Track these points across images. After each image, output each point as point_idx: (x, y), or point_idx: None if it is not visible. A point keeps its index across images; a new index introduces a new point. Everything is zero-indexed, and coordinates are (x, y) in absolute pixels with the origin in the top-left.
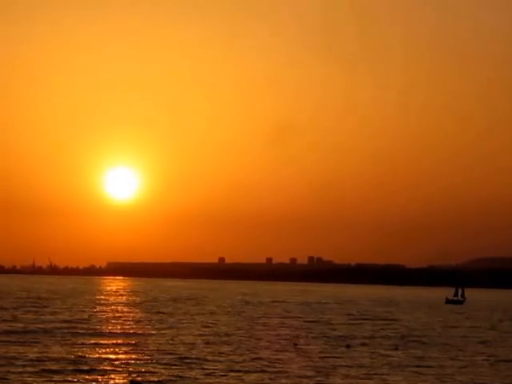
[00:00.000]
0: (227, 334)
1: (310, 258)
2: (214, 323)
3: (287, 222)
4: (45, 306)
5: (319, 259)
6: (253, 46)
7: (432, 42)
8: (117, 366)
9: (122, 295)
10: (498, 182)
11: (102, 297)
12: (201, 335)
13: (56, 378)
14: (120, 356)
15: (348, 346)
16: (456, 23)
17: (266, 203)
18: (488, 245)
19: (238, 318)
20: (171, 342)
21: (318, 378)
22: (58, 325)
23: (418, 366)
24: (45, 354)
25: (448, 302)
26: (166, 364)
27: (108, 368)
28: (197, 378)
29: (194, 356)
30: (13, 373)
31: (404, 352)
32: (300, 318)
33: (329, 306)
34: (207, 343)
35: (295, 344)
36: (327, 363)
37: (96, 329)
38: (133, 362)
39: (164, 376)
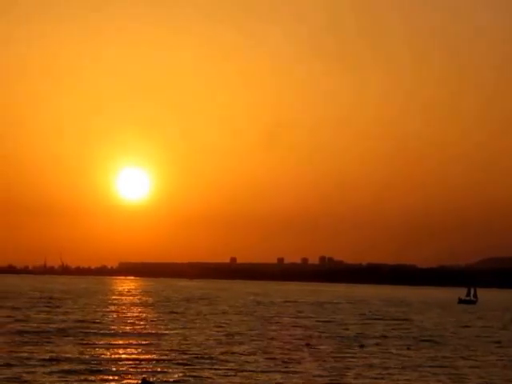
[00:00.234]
0: (239, 334)
1: (322, 258)
2: (226, 323)
3: (299, 222)
4: (57, 306)
5: (330, 259)
6: (260, 46)
7: (440, 42)
8: (129, 365)
9: (133, 295)
10: (507, 182)
11: (114, 297)
12: (213, 335)
13: (69, 378)
14: (132, 356)
15: (361, 346)
16: (462, 23)
17: (278, 203)
18: (498, 244)
19: (250, 317)
20: (183, 341)
21: (331, 378)
22: (71, 325)
23: (430, 366)
24: (57, 354)
25: (460, 301)
26: (178, 364)
27: (120, 368)
28: (209, 378)
29: (206, 356)
30: (25, 373)
31: (416, 352)
32: (312, 317)
33: (341, 305)
34: (220, 343)
35: (308, 344)
36: (340, 363)
37: (108, 329)
38: (145, 361)
39: (176, 376)
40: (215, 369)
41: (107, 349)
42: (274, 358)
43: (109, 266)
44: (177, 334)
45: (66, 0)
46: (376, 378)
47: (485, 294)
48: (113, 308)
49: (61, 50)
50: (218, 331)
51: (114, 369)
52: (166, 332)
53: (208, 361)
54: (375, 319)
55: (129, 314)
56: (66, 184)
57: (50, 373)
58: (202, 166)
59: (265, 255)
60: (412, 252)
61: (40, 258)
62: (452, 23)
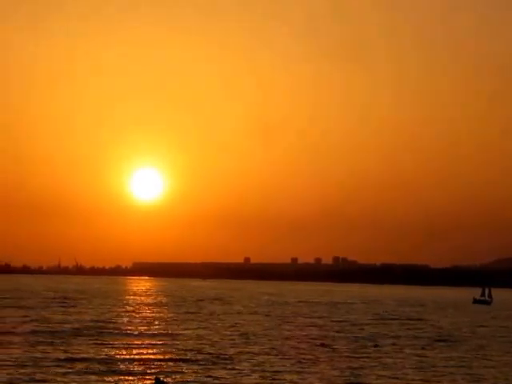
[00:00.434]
0: (254, 334)
1: (335, 258)
2: (240, 323)
3: (312, 222)
4: (72, 306)
5: (344, 259)
6: (271, 46)
7: (450, 41)
8: (143, 365)
9: (148, 295)
10: None
11: (129, 297)
12: (228, 335)
13: (83, 377)
14: (147, 356)
15: (375, 346)
16: (474, 21)
17: (292, 203)
18: None
19: (264, 317)
20: (198, 341)
21: (346, 378)
22: (85, 325)
23: (445, 366)
24: (72, 354)
25: (475, 301)
26: (193, 363)
27: (134, 367)
28: (224, 378)
29: (221, 356)
30: (41, 373)
31: (431, 352)
32: (326, 317)
33: (355, 305)
34: (234, 343)
35: (322, 344)
36: (355, 363)
37: (123, 329)
38: (159, 361)
39: (191, 375)
40: (230, 369)
41: (122, 349)
42: (289, 358)
43: (123, 266)
44: (191, 333)
45: (80, 1)
46: (391, 378)
47: (500, 294)
48: (127, 308)
49: (75, 50)
50: (232, 331)
51: (129, 368)
52: (181, 332)
53: (223, 361)
54: (389, 319)
55: (143, 314)
56: (80, 185)
57: (65, 373)
58: (216, 166)
59: (279, 255)
60: (425, 252)
61: (54, 258)
62: (462, 21)
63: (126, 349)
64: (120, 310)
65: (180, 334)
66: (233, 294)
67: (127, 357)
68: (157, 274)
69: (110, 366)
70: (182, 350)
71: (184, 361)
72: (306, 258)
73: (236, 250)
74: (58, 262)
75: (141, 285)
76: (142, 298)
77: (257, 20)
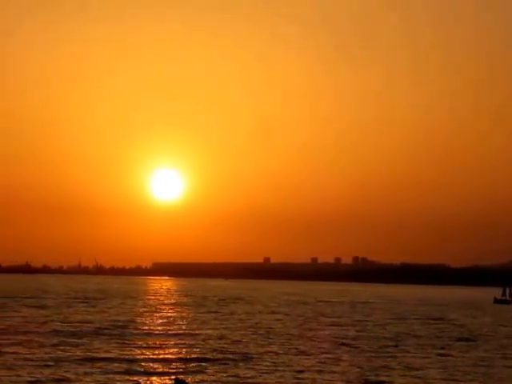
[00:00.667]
0: (275, 333)
1: (355, 258)
2: (261, 322)
3: (332, 221)
4: (92, 306)
5: (364, 259)
6: (289, 48)
7: (465, 38)
8: (163, 365)
9: (168, 295)
10: None
11: (149, 296)
12: (249, 334)
13: (104, 377)
14: (167, 355)
15: (396, 346)
16: (488, 19)
17: (312, 203)
18: None
19: (285, 317)
20: (219, 341)
21: (367, 377)
22: (106, 324)
23: (466, 366)
24: (92, 354)
25: (496, 301)
26: (213, 363)
27: (154, 367)
28: (245, 377)
29: (242, 355)
30: (62, 373)
31: (452, 351)
32: (347, 317)
33: (374, 305)
34: (255, 342)
35: (343, 343)
36: (375, 362)
37: (144, 328)
38: (180, 360)
39: (212, 375)
40: (251, 368)
41: (142, 348)
42: (310, 357)
43: (143, 266)
44: (212, 333)
45: (100, 1)
46: (412, 377)
47: None
48: (148, 308)
49: (95, 51)
50: (253, 331)
51: (149, 368)
52: (202, 332)
53: (244, 360)
54: (410, 318)
55: (164, 314)
56: (101, 185)
57: (87, 372)
58: (236, 167)
59: (298, 255)
60: (445, 251)
61: (74, 258)
62: (477, 18)
63: (146, 348)
64: (141, 309)
65: (201, 334)
66: (253, 293)
67: (148, 356)
68: (177, 274)
69: (130, 366)
70: (203, 349)
71: (205, 360)
72: (326, 257)
73: (256, 250)
74: (79, 262)
75: (161, 285)
76: (163, 297)
77: (276, 21)
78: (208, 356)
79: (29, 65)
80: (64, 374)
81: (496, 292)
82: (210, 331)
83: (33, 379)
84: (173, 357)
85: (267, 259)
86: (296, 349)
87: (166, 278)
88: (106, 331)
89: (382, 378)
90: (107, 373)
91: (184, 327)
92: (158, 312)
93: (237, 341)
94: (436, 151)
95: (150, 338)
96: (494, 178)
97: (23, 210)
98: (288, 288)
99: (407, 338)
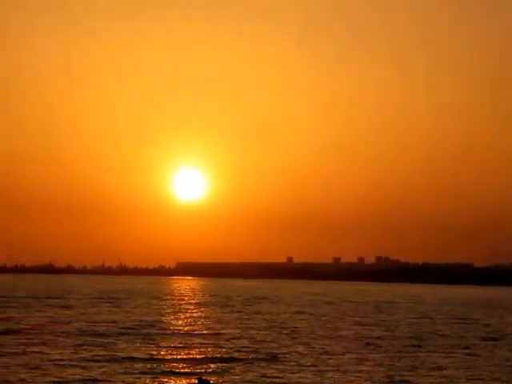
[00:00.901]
0: (299, 333)
1: (378, 258)
2: (285, 322)
3: (355, 221)
4: (117, 306)
5: (386, 258)
6: (309, 49)
7: (483, 40)
8: (188, 364)
9: (192, 295)
10: None
11: (173, 296)
12: (273, 334)
13: (128, 377)
14: (191, 355)
15: (419, 346)
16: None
17: (334, 203)
18: None
19: (309, 316)
20: (243, 340)
21: (391, 377)
22: (131, 324)
23: (492, 365)
24: (117, 354)
25: None
26: (237, 362)
27: (179, 367)
28: (270, 377)
29: (266, 355)
30: (87, 373)
31: (478, 351)
32: (371, 317)
33: (399, 304)
34: (279, 342)
35: (368, 343)
36: (400, 362)
37: (168, 328)
38: (205, 360)
39: (237, 375)
40: (275, 368)
41: (167, 348)
42: (335, 357)
43: (166, 266)
44: (237, 333)
45: (120, 0)
46: (436, 377)
47: None
48: (172, 307)
49: (116, 50)
50: (278, 330)
51: (173, 368)
52: (226, 331)
53: (269, 359)
54: (434, 318)
55: (188, 314)
56: (123, 185)
57: (111, 372)
58: (258, 166)
59: (321, 255)
60: (468, 250)
61: (98, 258)
62: (493, 17)
63: (171, 348)
64: (165, 309)
65: (225, 334)
66: (276, 293)
67: (172, 356)
68: (200, 273)
69: (155, 366)
70: (228, 349)
71: (230, 360)
72: (349, 257)
73: (279, 250)
74: (103, 262)
75: (184, 284)
76: (187, 297)
77: (295, 23)
78: (233, 356)
79: (47, 65)
80: (89, 374)
81: None
82: (234, 331)
83: (59, 379)
84: (197, 357)
85: (290, 259)
86: (321, 348)
87: (189, 277)
88: (130, 331)
89: (407, 378)
90: (132, 373)
91: (208, 327)
92: (183, 312)
93: (261, 340)
94: (457, 150)
95: (175, 338)
96: None
97: (46, 210)
98: (311, 288)
99: (431, 337)
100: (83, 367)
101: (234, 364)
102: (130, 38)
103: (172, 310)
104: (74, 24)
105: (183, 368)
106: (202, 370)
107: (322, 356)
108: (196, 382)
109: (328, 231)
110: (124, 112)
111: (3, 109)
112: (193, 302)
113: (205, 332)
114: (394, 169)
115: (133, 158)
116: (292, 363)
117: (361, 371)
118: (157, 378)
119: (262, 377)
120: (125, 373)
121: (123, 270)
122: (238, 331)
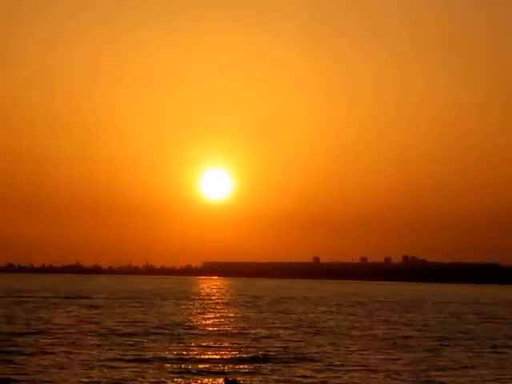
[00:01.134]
0: (327, 333)
1: (405, 257)
2: (313, 321)
3: (381, 220)
4: (144, 306)
5: (413, 258)
6: (330, 53)
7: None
8: (216, 365)
9: (219, 294)
10: None
11: (200, 296)
12: (302, 334)
13: (156, 377)
14: (219, 355)
15: (448, 345)
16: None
17: (361, 202)
18: None
19: (337, 316)
20: (272, 340)
21: (419, 377)
22: (159, 324)
23: None
24: (145, 354)
25: None
26: (265, 362)
27: (206, 367)
28: (298, 377)
29: (293, 354)
30: (115, 373)
31: (508, 350)
32: (399, 316)
33: (427, 304)
34: (307, 341)
35: (396, 343)
36: (429, 362)
37: (196, 328)
38: (232, 360)
39: (263, 374)
40: (304, 368)
41: (194, 348)
42: (364, 357)
43: (193, 266)
44: (265, 333)
45: (161, 5)
46: (466, 376)
47: None
48: (200, 307)
49: (149, 51)
50: (306, 330)
51: (201, 368)
52: (254, 331)
53: (297, 360)
54: (463, 317)
55: (216, 314)
56: (149, 185)
57: (139, 373)
58: (285, 165)
59: (348, 254)
60: (496, 250)
61: (125, 258)
62: (502, 17)
63: (199, 348)
64: (193, 309)
65: (253, 333)
66: (304, 293)
67: (200, 356)
68: (227, 273)
69: (182, 366)
70: (256, 349)
71: (258, 360)
72: (376, 257)
73: (305, 250)
74: (129, 262)
75: (211, 284)
76: (214, 297)
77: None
78: (260, 356)
79: (80, 66)
80: (117, 374)
81: None
82: (262, 331)
83: (87, 379)
84: (225, 357)
85: (316, 259)
86: (349, 348)
87: (216, 277)
88: (158, 331)
89: (435, 378)
90: (160, 373)
91: (237, 327)
92: (211, 312)
93: (289, 340)
94: (485, 148)
95: (203, 338)
96: None
97: (73, 210)
98: (338, 287)
99: (460, 336)
100: (111, 367)
101: (262, 364)
102: (161, 41)
103: (199, 309)
104: (102, 24)
105: (211, 368)
106: (230, 370)
107: (350, 355)
108: (223, 382)
109: (354, 231)
110: (153, 113)
111: (30, 109)
112: (220, 301)
113: (233, 332)
114: (419, 168)
115: (160, 158)
116: (320, 363)
117: (390, 370)
118: (184, 377)
119: (289, 377)
120: (153, 373)
121: (150, 270)
122: (266, 331)
